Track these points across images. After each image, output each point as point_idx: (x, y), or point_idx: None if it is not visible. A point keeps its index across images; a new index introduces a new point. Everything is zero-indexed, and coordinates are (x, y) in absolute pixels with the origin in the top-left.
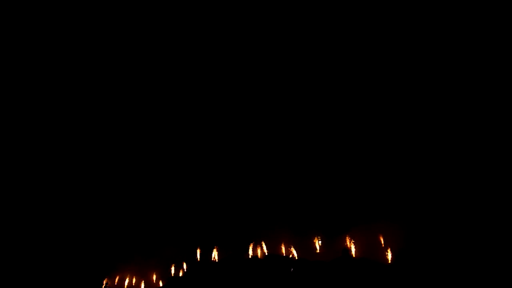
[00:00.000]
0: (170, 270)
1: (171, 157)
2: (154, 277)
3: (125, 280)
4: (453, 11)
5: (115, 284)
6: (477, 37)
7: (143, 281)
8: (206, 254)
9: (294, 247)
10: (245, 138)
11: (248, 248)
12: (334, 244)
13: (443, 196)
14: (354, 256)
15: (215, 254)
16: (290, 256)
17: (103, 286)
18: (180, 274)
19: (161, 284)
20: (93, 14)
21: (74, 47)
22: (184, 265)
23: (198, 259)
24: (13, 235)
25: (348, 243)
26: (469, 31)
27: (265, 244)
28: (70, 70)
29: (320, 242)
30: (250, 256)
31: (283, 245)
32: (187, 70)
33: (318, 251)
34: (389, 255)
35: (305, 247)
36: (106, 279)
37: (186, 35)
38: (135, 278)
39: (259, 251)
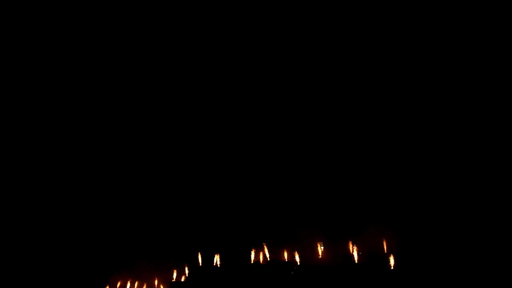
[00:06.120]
0: (172, 275)
1: (171, 159)
2: (156, 282)
3: (126, 285)
4: (453, 11)
5: None
6: (477, 37)
7: (145, 286)
8: (208, 258)
9: (297, 252)
10: (246, 141)
11: (250, 253)
12: (336, 249)
13: (448, 202)
14: (356, 261)
15: (216, 259)
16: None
17: None
18: (182, 279)
19: None
20: (93, 14)
21: (73, 47)
22: (186, 270)
23: (200, 264)
24: (12, 236)
25: (350, 248)
26: (469, 31)
27: (267, 249)
28: (70, 69)
29: (322, 247)
30: (251, 261)
31: (285, 250)
32: (187, 70)
33: (320, 256)
34: (392, 261)
35: (307, 252)
36: (107, 285)
37: (186, 34)
38: (137, 283)
39: (261, 256)
